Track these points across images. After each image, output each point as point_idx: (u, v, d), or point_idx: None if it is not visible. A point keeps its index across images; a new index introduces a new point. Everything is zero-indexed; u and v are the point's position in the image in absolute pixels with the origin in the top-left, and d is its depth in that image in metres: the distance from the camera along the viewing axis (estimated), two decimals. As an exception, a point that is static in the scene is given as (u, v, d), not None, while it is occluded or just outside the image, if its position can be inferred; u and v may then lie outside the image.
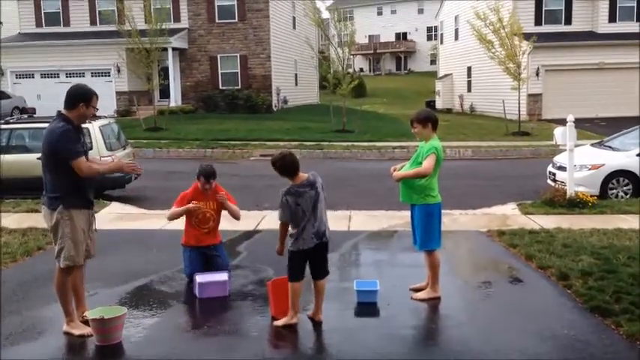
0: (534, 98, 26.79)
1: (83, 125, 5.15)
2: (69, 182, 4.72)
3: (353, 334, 5.01)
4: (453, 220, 9.12)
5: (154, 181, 13.40)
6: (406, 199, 5.73)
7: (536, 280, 6.32)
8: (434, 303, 5.62)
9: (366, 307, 5.49)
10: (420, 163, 5.50)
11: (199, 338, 4.95)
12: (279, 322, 5.09)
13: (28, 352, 4.63)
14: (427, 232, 5.64)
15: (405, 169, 5.67)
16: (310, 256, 5.08)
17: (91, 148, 5.14)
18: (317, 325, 5.12)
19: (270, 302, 5.37)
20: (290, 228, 5.07)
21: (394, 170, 5.78)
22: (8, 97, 26.43)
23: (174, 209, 6.31)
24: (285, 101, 30.97)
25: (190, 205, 6.16)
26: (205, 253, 6.33)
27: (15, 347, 4.71)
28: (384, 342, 4.83)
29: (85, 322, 4.88)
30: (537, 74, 26.62)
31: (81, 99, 4.77)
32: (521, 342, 4.78)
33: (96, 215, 5.16)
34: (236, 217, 6.45)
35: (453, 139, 20.39)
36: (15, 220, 9.04)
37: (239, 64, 29.04)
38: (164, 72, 26.95)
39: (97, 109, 4.99)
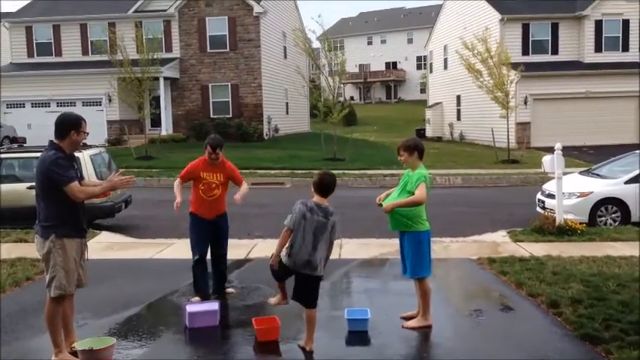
0: (523, 126, 27.09)
1: (75, 154, 5.17)
2: (62, 211, 4.73)
3: (344, 364, 4.98)
4: (443, 247, 9.15)
5: (145, 210, 13.37)
6: (396, 227, 5.75)
7: (527, 308, 6.33)
8: (425, 331, 5.61)
9: (357, 336, 5.47)
10: (409, 192, 5.54)
11: (189, 369, 4.90)
12: (272, 300, 5.52)
13: (15, 384, 4.58)
14: (417, 259, 5.66)
15: (392, 198, 5.70)
16: (301, 281, 5.09)
17: (82, 177, 5.13)
18: (308, 354, 5.09)
19: (256, 333, 5.39)
20: (289, 241, 5.05)
21: (379, 200, 5.81)
22: (-2, 126, 26.41)
23: (176, 186, 6.62)
24: (277, 130, 31.13)
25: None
26: (210, 224, 6.55)
27: (2, 379, 4.65)
28: (375, 371, 4.81)
29: (74, 354, 4.83)
30: (525, 103, 26.96)
31: (71, 127, 4.82)
32: (513, 370, 4.77)
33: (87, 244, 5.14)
34: (239, 184, 6.71)
35: (442, 167, 20.53)
36: (4, 250, 8.97)
37: (230, 92, 29.23)
38: (155, 101, 27.05)
39: (88, 133, 5.00)
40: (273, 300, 5.59)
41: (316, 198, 5.11)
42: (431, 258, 5.80)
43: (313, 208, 5.02)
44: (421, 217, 5.64)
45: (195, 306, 5.90)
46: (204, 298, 6.63)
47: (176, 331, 5.77)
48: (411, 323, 5.70)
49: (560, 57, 28.39)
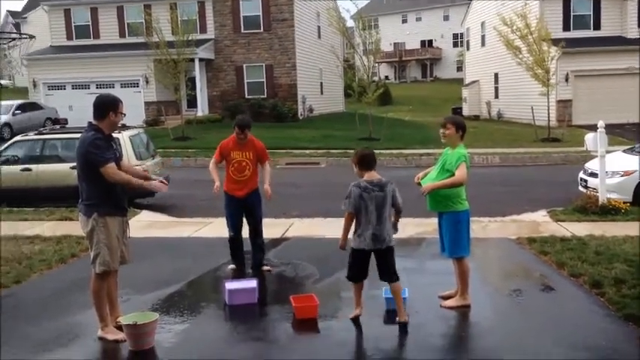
0: (564, 104, 26.45)
1: (114, 135, 5.27)
2: (103, 190, 4.84)
3: (382, 342, 5.00)
4: (481, 227, 9.04)
5: (182, 189, 13.54)
6: (434, 207, 5.70)
7: (568, 288, 6.23)
8: (463, 311, 5.57)
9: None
10: (449, 171, 5.46)
11: (229, 345, 4.99)
12: (351, 315, 5.29)
13: (63, 357, 4.72)
14: (456, 239, 5.61)
15: (431, 178, 5.62)
16: (378, 259, 5.25)
17: (121, 157, 5.23)
18: (357, 330, 5.15)
19: (294, 311, 5.43)
20: (354, 224, 5.17)
21: (418, 179, 5.76)
22: (41, 108, 27.03)
23: (212, 168, 6.77)
24: (311, 110, 31.09)
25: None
26: (242, 200, 6.72)
27: (51, 352, 4.81)
28: (413, 349, 4.82)
29: (119, 328, 4.96)
30: (566, 80, 26.29)
31: (109, 108, 4.92)
32: (553, 351, 4.71)
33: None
34: (263, 163, 6.88)
35: (480, 146, 20.23)
36: (49, 227, 9.23)
37: (265, 73, 29.26)
38: (191, 82, 27.28)
39: (125, 114, 5.10)
40: (352, 315, 5.39)
41: (365, 176, 5.20)
42: (470, 238, 5.73)
43: (367, 187, 5.13)
44: (461, 196, 5.58)
45: (234, 283, 5.98)
46: (241, 267, 6.89)
47: (216, 308, 5.87)
48: (450, 303, 5.67)
49: (603, 32, 27.49)
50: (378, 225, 5.13)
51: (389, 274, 5.25)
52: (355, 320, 5.29)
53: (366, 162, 5.23)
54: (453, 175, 5.42)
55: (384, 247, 5.19)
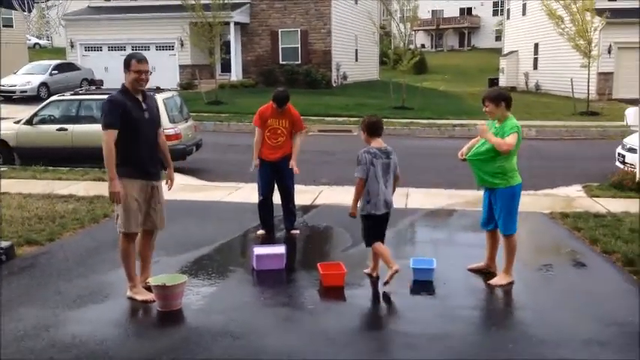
0: (605, 77, 25.67)
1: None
2: (124, 150, 4.80)
3: (408, 312, 5.00)
4: (514, 200, 8.89)
5: (214, 153, 13.64)
6: (485, 182, 5.48)
7: (601, 265, 6.11)
8: (491, 284, 5.51)
9: (422, 285, 5.45)
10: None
11: (256, 309, 5.03)
12: (386, 277, 5.28)
13: (94, 314, 4.84)
14: (510, 215, 5.43)
15: (478, 152, 5.40)
16: (383, 222, 5.46)
17: (154, 117, 5.20)
18: (374, 299, 5.18)
19: (321, 278, 5.46)
20: (365, 190, 5.31)
21: (462, 155, 5.59)
22: (77, 69, 27.39)
23: (256, 141, 6.86)
24: (345, 77, 30.79)
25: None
26: (274, 165, 6.84)
27: (82, 309, 4.92)
28: (439, 321, 4.79)
29: (148, 289, 5.04)
30: (609, 52, 25.45)
31: (125, 66, 4.88)
32: (584, 327, 4.64)
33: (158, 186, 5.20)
34: (297, 131, 6.95)
35: (516, 119, 19.77)
36: (83, 187, 9.40)
37: (299, 39, 28.98)
38: (226, 46, 27.20)
39: (147, 72, 4.90)
40: (367, 270, 5.64)
41: (374, 143, 5.36)
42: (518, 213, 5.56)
43: (377, 154, 5.30)
44: (514, 170, 5.41)
45: (262, 249, 6.02)
46: (270, 233, 6.96)
47: (244, 273, 5.92)
48: (497, 281, 5.48)
49: (651, 3, 26.43)
50: (387, 190, 5.34)
51: (383, 234, 5.53)
52: (375, 285, 5.46)
53: (374, 129, 5.38)
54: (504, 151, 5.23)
55: (390, 210, 5.43)
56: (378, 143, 5.35)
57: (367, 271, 5.64)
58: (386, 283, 5.26)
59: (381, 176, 5.26)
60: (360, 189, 5.30)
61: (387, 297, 5.25)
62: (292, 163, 6.82)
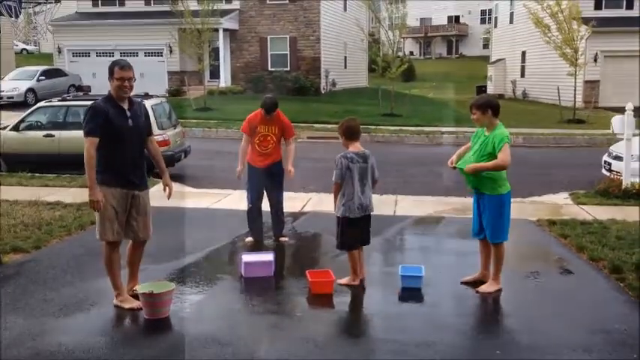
0: (591, 85, 25.90)
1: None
2: (104, 159, 4.77)
3: (396, 320, 4.99)
4: (501, 208, 8.93)
5: (202, 160, 13.61)
6: (475, 185, 5.47)
7: (588, 272, 6.15)
8: (480, 292, 5.52)
9: (410, 293, 5.45)
10: (491, 155, 5.26)
11: (244, 317, 5.02)
12: (342, 281, 5.48)
13: (81, 322, 4.79)
14: (499, 223, 5.44)
15: (469, 161, 5.38)
16: (361, 225, 5.49)
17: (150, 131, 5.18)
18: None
19: (310, 286, 5.45)
20: (340, 193, 5.41)
21: (452, 163, 5.56)
22: (65, 74, 27.24)
23: (242, 148, 6.88)
24: (334, 84, 30.86)
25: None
26: (264, 172, 6.84)
27: (68, 317, 4.88)
28: (427, 328, 4.80)
29: (135, 296, 5.01)
30: (595, 60, 25.71)
31: (109, 74, 4.84)
32: (571, 335, 4.67)
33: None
34: (287, 138, 6.98)
35: (503, 126, 19.92)
36: (70, 194, 9.34)
37: (288, 45, 29.04)
38: (215, 53, 27.21)
39: (130, 79, 4.83)
40: (343, 280, 5.56)
41: (351, 147, 5.45)
42: (510, 221, 5.57)
43: (354, 158, 5.39)
44: (504, 178, 5.41)
45: (251, 256, 6.00)
46: (259, 240, 6.94)
47: (232, 280, 5.90)
48: (485, 288, 5.48)
49: (635, 12, 26.72)
50: (362, 194, 5.41)
51: (368, 237, 5.61)
52: (357, 287, 5.46)
53: (351, 133, 5.51)
54: (496, 157, 5.22)
55: (367, 213, 5.50)
56: (355, 147, 5.45)
57: (354, 282, 5.57)
58: (340, 284, 5.45)
59: (357, 180, 5.36)
60: (337, 193, 5.44)
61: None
62: (289, 168, 6.78)
